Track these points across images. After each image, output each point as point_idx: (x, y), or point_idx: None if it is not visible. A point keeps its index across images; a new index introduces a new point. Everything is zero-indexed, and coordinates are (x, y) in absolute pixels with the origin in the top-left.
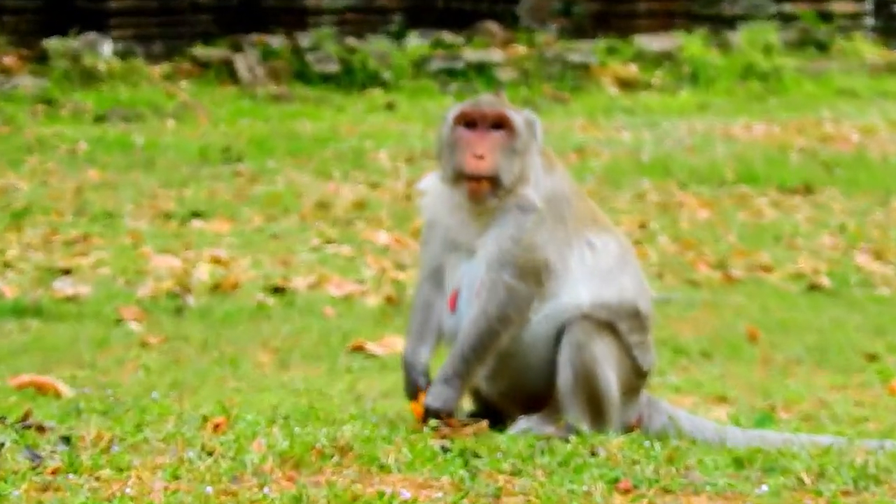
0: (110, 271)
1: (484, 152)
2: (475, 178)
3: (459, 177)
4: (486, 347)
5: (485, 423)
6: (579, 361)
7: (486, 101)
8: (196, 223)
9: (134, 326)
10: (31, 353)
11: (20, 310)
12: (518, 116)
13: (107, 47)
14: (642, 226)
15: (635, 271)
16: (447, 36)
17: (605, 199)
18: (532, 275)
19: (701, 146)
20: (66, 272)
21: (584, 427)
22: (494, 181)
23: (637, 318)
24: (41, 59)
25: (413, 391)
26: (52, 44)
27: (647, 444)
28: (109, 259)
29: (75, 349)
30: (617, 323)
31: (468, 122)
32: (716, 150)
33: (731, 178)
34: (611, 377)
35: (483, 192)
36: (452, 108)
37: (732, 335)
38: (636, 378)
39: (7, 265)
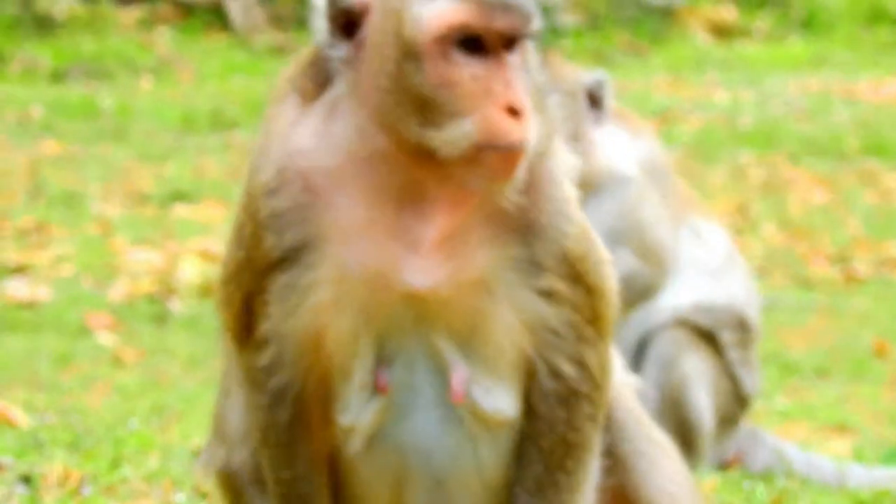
0: (74, 269)
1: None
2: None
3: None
4: None
5: None
6: (667, 382)
7: None
8: (179, 208)
9: (104, 338)
10: None
11: None
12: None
13: None
14: (741, 210)
15: (744, 272)
16: None
17: (694, 177)
18: (655, 256)
19: (816, 110)
20: (19, 270)
21: None
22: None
23: (743, 329)
24: None
25: None
26: None
27: (747, 485)
28: (73, 253)
29: (32, 366)
30: (719, 333)
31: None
32: (835, 115)
33: (854, 150)
34: (704, 402)
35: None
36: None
37: (855, 348)
38: (736, 404)
39: None
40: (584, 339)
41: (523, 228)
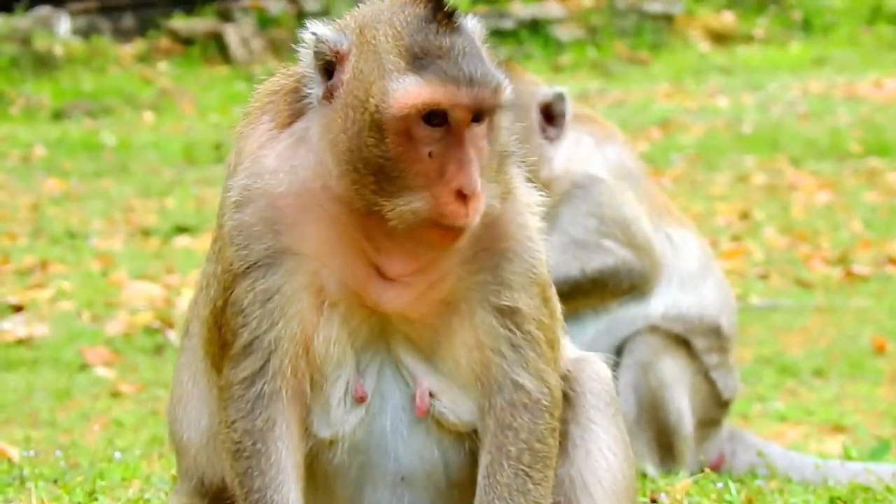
0: (73, 305)
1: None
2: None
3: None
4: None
5: None
6: (644, 386)
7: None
8: (181, 240)
9: (102, 372)
10: None
11: None
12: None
13: (63, 24)
14: (744, 215)
15: (719, 280)
16: None
17: (698, 185)
18: (643, 248)
19: (818, 111)
20: (18, 309)
21: (650, 468)
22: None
23: (717, 336)
24: None
25: None
26: None
27: (719, 485)
28: (73, 290)
29: (29, 404)
30: (692, 339)
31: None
32: (837, 116)
33: (856, 151)
34: (683, 405)
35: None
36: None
37: (853, 348)
38: (715, 407)
39: None
40: (545, 358)
41: (492, 253)
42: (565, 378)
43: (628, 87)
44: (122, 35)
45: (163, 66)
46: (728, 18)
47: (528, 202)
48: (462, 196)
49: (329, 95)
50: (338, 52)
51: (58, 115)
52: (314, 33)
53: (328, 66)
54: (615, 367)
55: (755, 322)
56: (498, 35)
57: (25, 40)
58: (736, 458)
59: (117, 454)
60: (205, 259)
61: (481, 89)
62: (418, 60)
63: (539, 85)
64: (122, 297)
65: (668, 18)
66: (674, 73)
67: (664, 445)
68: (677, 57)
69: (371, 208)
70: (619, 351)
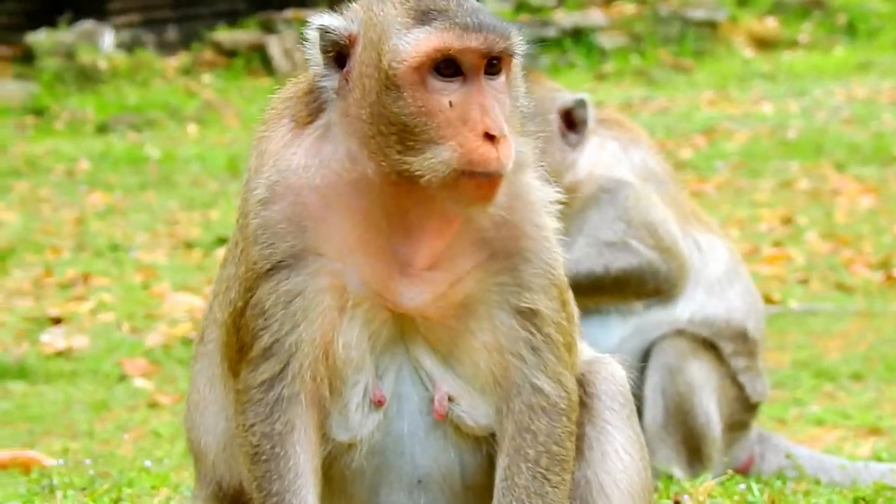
0: (114, 317)
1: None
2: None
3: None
4: (578, 285)
5: None
6: (672, 389)
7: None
8: (224, 252)
9: (140, 383)
10: (14, 423)
11: (0, 372)
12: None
13: (107, 38)
14: (787, 221)
15: (746, 285)
16: None
17: (741, 191)
18: (670, 250)
19: (862, 116)
20: (58, 321)
21: (677, 471)
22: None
23: (744, 340)
24: (26, 59)
25: None
26: (39, 38)
27: (741, 487)
28: (114, 302)
29: (68, 416)
30: (719, 343)
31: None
32: (882, 121)
33: None
34: (711, 409)
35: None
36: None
37: (892, 352)
38: (743, 410)
39: None
40: (563, 361)
41: (510, 254)
42: (580, 380)
43: (672, 95)
44: (166, 48)
45: (206, 78)
46: (772, 24)
47: (544, 201)
48: (490, 138)
49: (344, 84)
50: (349, 36)
51: (102, 129)
52: (320, 26)
53: (339, 57)
54: (642, 370)
55: (794, 326)
56: (541, 44)
57: (69, 55)
58: (765, 460)
59: (147, 462)
60: (220, 266)
61: (490, 34)
62: (425, 15)
63: (560, 91)
64: (163, 308)
65: (711, 25)
66: (718, 79)
67: (692, 449)
68: (721, 64)
69: (402, 173)
70: (646, 355)
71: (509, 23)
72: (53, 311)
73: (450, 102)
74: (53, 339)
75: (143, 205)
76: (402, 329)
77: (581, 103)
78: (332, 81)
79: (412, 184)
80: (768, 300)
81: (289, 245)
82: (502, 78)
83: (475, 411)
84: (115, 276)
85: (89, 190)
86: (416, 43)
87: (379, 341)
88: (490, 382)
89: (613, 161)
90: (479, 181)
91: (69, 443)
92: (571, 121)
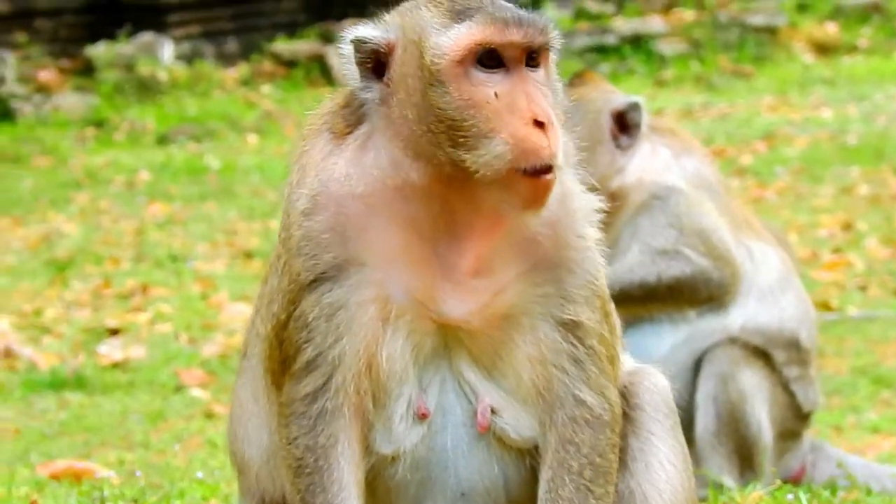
0: (171, 328)
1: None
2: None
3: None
4: (630, 294)
5: None
6: (724, 398)
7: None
8: None
9: (197, 393)
10: (71, 434)
11: (58, 383)
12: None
13: (167, 50)
14: (847, 226)
15: (799, 293)
16: (592, 4)
17: (802, 197)
18: (723, 258)
19: None
20: (115, 332)
21: (728, 480)
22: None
23: (797, 349)
24: (86, 71)
25: None
26: (99, 51)
27: (790, 496)
28: (172, 313)
29: (124, 426)
30: (771, 352)
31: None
32: None
33: None
34: (763, 417)
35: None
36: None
37: None
38: (795, 419)
39: (44, 329)
40: (606, 373)
41: (553, 264)
42: (623, 391)
43: (732, 101)
44: (225, 59)
45: (266, 89)
46: (832, 29)
47: (587, 209)
48: (539, 125)
49: (385, 90)
50: (388, 44)
51: (162, 140)
52: (357, 37)
53: (377, 68)
54: (693, 379)
55: (852, 333)
56: (600, 51)
57: (129, 66)
58: (817, 469)
59: (199, 473)
60: (261, 281)
61: (529, 28)
62: (463, 14)
63: (614, 93)
64: (221, 319)
65: (771, 31)
66: (778, 85)
67: (744, 457)
68: (781, 69)
69: (456, 166)
70: (697, 363)
71: (546, 17)
72: (111, 322)
73: (495, 93)
74: (111, 350)
75: (202, 215)
76: (445, 340)
77: (634, 106)
78: (372, 92)
79: (461, 183)
80: (826, 307)
81: (332, 256)
82: (541, 71)
83: (518, 423)
84: (174, 287)
85: (149, 201)
86: (458, 37)
87: (422, 353)
88: (533, 394)
89: (664, 168)
90: (533, 181)
91: (125, 453)
92: (624, 123)
